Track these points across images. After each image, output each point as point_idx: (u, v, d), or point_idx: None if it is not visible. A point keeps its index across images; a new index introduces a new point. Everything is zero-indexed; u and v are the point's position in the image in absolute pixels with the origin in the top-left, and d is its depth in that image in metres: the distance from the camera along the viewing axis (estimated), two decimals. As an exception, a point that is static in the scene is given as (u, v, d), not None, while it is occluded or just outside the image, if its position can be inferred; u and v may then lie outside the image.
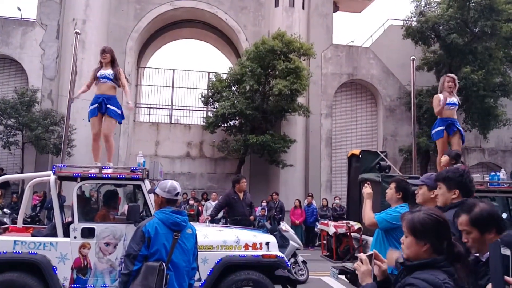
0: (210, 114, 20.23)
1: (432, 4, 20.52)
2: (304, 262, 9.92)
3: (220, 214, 12.60)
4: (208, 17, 22.37)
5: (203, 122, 20.39)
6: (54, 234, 6.13)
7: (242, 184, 8.70)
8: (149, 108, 22.86)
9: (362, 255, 2.54)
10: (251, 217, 8.98)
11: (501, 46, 19.37)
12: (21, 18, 20.79)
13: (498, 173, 7.11)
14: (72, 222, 6.14)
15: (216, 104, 19.34)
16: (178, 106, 22.94)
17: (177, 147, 21.60)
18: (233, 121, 19.50)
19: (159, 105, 22.80)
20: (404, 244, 2.47)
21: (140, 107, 23.08)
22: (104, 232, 6.04)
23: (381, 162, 7.32)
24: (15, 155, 18.79)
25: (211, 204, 15.68)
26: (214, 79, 19.96)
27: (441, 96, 7.48)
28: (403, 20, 21.03)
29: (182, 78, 23.08)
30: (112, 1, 20.48)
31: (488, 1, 17.82)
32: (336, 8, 24.42)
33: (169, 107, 22.85)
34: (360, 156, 7.95)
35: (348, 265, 7.27)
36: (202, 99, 20.09)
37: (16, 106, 17.26)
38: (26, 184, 8.08)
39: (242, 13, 21.85)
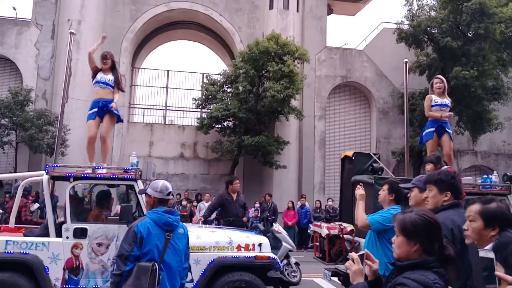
0: (204, 115, 20.23)
1: (424, 8, 20.59)
2: (296, 263, 9.92)
3: (213, 215, 12.59)
4: (203, 19, 22.38)
5: (197, 123, 20.39)
6: (46, 234, 6.12)
7: (235, 185, 8.70)
8: (143, 108, 22.83)
9: (353, 255, 2.56)
10: (244, 218, 8.98)
11: (494, 49, 19.46)
12: (16, 18, 20.72)
13: (490, 176, 7.15)
14: (64, 222, 6.13)
15: (210, 106, 19.35)
16: (172, 107, 22.92)
17: (171, 148, 21.58)
18: (226, 122, 19.51)
19: (153, 105, 22.78)
20: (395, 243, 2.49)
21: (134, 107, 23.04)
22: (97, 232, 6.03)
23: (374, 164, 7.34)
24: (9, 155, 18.72)
25: (204, 205, 15.66)
26: (207, 83, 19.96)
27: (433, 96, 7.45)
28: (395, 23, 21.09)
29: (177, 79, 23.08)
30: (108, 2, 20.46)
31: (479, 5, 17.87)
32: (330, 11, 24.52)
33: (163, 108, 22.83)
34: (353, 158, 7.98)
35: (341, 267, 7.28)
36: (195, 102, 20.07)
37: (10, 106, 17.19)
38: (19, 184, 8.05)
39: (237, 15, 21.88)
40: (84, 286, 5.94)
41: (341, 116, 22.67)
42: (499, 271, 1.93)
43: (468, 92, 18.52)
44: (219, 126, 19.61)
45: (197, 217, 14.64)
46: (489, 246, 2.61)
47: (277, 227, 10.26)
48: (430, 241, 2.39)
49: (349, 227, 7.48)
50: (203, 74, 22.76)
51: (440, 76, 7.83)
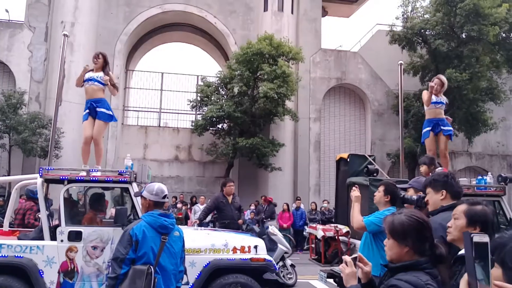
0: (198, 117, 20.20)
1: (418, 9, 20.65)
2: (292, 265, 9.92)
3: (209, 218, 12.57)
4: (197, 21, 22.36)
5: (192, 125, 20.35)
6: (41, 238, 6.08)
7: (229, 187, 8.69)
8: (138, 111, 22.77)
9: (346, 258, 2.56)
10: (240, 221, 8.97)
11: (487, 51, 19.53)
12: (9, 20, 20.62)
13: (485, 177, 7.17)
14: (59, 225, 6.09)
15: (205, 108, 19.33)
16: (167, 109, 22.87)
17: (165, 150, 21.54)
18: (221, 124, 19.50)
19: (148, 108, 22.73)
20: (387, 246, 2.50)
21: (129, 110, 22.99)
22: (91, 235, 6.00)
23: (369, 166, 7.35)
24: (2, 158, 18.64)
25: (199, 208, 15.63)
26: (202, 84, 19.95)
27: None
28: (389, 24, 21.16)
29: (171, 81, 23.03)
30: (101, 4, 20.40)
31: (472, 6, 17.94)
32: (324, 13, 24.59)
33: (158, 110, 22.78)
34: (348, 160, 7.98)
35: (336, 268, 7.28)
36: (190, 104, 20.06)
37: (3, 109, 17.12)
38: (13, 187, 8.00)
39: (231, 17, 21.88)
40: (79, 290, 5.91)
41: (336, 118, 22.70)
42: (497, 272, 1.93)
43: (460, 94, 18.59)
44: (214, 128, 19.59)
45: (192, 219, 14.60)
46: None
47: (273, 229, 10.26)
48: (421, 242, 2.40)
49: (345, 229, 7.47)
50: (197, 76, 22.73)
51: (441, 76, 7.84)
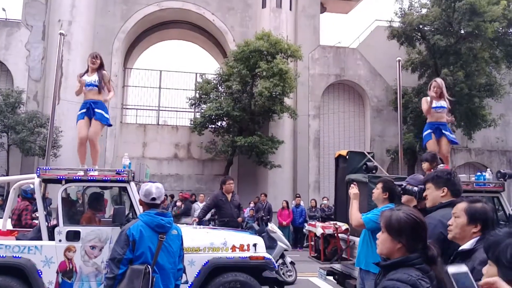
0: (197, 115, 20.18)
1: (415, 6, 20.59)
2: (292, 263, 9.91)
3: (208, 216, 12.54)
4: (195, 18, 22.31)
5: (191, 123, 20.33)
6: (39, 238, 6.06)
7: (228, 185, 8.66)
8: (136, 109, 22.73)
9: None
10: (239, 219, 8.95)
11: (486, 47, 19.48)
12: (6, 18, 20.57)
13: (484, 173, 7.14)
14: (57, 225, 6.07)
15: (204, 106, 19.31)
16: (166, 107, 22.85)
17: (164, 148, 21.51)
18: (220, 122, 19.48)
19: (146, 106, 22.70)
20: (379, 239, 2.51)
21: (127, 108, 22.95)
22: (90, 235, 5.98)
23: (368, 163, 7.32)
24: (0, 157, 18.60)
25: (198, 206, 15.61)
26: (201, 81, 19.93)
27: (428, 99, 7.56)
28: (387, 20, 21.12)
29: (170, 79, 22.99)
30: (99, 2, 20.34)
31: (469, 5, 17.89)
32: (323, 9, 24.50)
33: (156, 108, 22.76)
34: (347, 157, 7.95)
35: (336, 266, 7.27)
36: (189, 101, 20.04)
37: (1, 108, 17.08)
38: (11, 187, 7.98)
39: (229, 14, 21.82)
40: (77, 290, 5.89)
41: (335, 115, 22.68)
42: (491, 270, 1.92)
43: (457, 90, 18.54)
44: (213, 126, 19.56)
45: (191, 217, 14.59)
46: (469, 243, 2.78)
47: (272, 226, 10.25)
48: (414, 241, 2.40)
49: (344, 226, 7.46)
50: (196, 73, 22.69)
51: (438, 79, 7.87)
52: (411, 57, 20.54)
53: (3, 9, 20.86)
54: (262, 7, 21.51)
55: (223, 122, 19.45)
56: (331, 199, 15.09)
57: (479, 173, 7.26)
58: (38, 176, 6.19)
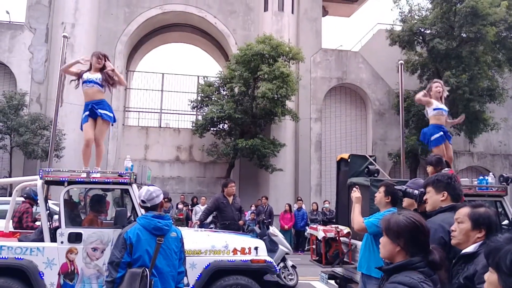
0: (199, 118, 20.19)
1: (414, 10, 20.54)
2: (293, 266, 9.89)
3: (210, 219, 12.55)
4: (197, 21, 22.35)
5: (192, 126, 20.34)
6: (41, 239, 6.07)
7: (230, 188, 8.66)
8: (138, 112, 22.78)
9: None
10: (240, 222, 8.94)
11: (488, 50, 19.43)
12: (9, 21, 20.65)
13: (486, 177, 7.12)
14: (59, 227, 6.08)
15: (205, 108, 19.33)
16: (168, 110, 22.87)
17: (166, 151, 21.53)
18: (222, 125, 19.49)
19: (149, 109, 22.73)
20: (381, 243, 2.52)
21: (130, 111, 22.99)
22: (92, 237, 5.99)
23: (370, 166, 7.30)
24: (3, 159, 18.64)
25: (200, 209, 15.62)
26: (203, 84, 19.95)
27: (432, 100, 7.37)
28: (389, 24, 21.13)
29: (172, 82, 23.02)
30: (102, 5, 20.41)
31: (470, 9, 17.87)
32: (325, 13, 24.57)
33: (159, 111, 22.78)
34: (349, 160, 7.94)
35: (338, 269, 7.26)
36: (191, 104, 20.07)
37: (4, 110, 17.12)
38: (14, 189, 7.99)
39: (231, 17, 21.86)
40: (79, 291, 5.90)
41: (337, 118, 22.67)
42: (492, 277, 1.91)
43: (459, 94, 18.49)
44: (215, 129, 19.58)
45: (193, 220, 14.60)
46: (472, 246, 2.75)
47: (273, 230, 10.23)
48: (413, 244, 2.40)
49: (346, 229, 7.43)
50: (198, 76, 22.72)
51: (439, 80, 7.77)
52: (410, 59, 20.43)
53: (7, 12, 20.95)
54: (264, 11, 21.55)
55: (225, 124, 19.46)
56: (333, 203, 15.05)
57: (481, 177, 7.23)
58: (41, 178, 6.20)
